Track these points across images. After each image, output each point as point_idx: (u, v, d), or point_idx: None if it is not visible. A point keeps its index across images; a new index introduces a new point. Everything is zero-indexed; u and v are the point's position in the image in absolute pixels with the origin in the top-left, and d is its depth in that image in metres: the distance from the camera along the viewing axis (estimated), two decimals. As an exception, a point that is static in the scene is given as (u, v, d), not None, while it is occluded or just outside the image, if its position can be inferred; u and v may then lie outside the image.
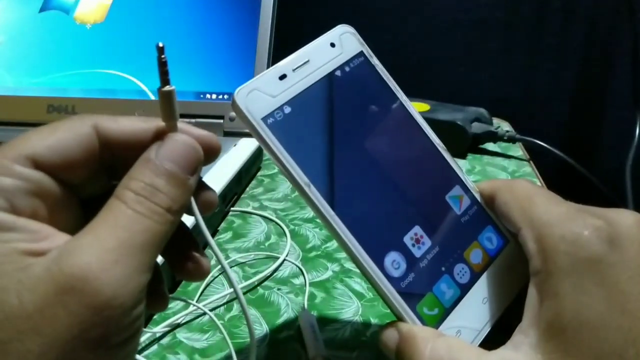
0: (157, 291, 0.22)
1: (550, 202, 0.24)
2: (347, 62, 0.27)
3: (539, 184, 0.54)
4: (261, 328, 0.32)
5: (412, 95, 0.71)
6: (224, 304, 0.34)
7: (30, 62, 0.62)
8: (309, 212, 0.48)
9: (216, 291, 0.36)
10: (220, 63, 0.58)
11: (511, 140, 0.61)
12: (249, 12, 0.58)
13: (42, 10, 0.63)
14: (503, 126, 0.66)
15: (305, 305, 0.34)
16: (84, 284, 0.15)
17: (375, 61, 0.28)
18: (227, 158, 0.50)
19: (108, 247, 0.16)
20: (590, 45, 0.79)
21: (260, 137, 0.23)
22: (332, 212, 0.23)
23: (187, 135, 0.19)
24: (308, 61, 0.26)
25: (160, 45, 0.18)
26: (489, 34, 0.81)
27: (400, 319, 0.24)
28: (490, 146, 0.64)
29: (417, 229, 0.25)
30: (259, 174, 0.57)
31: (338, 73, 0.26)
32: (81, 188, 0.20)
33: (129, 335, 0.16)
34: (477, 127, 0.61)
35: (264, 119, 0.23)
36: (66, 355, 0.15)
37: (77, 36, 0.61)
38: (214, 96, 0.57)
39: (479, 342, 0.25)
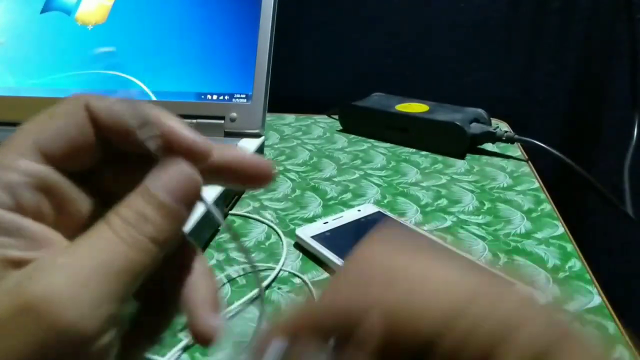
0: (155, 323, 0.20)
1: None
2: (367, 215, 0.45)
3: (537, 184, 0.55)
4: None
5: (412, 96, 0.72)
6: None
7: (32, 63, 0.63)
8: (309, 212, 0.48)
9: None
10: (221, 64, 0.58)
11: (510, 140, 0.62)
12: (250, 13, 0.58)
13: (43, 11, 0.63)
14: (501, 126, 0.66)
15: None
16: (45, 304, 0.14)
17: (387, 213, 0.45)
18: (227, 158, 0.51)
19: (79, 270, 0.15)
20: (588, 46, 0.80)
21: (309, 246, 0.40)
22: None
23: (212, 154, 0.18)
24: (342, 217, 0.44)
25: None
26: (488, 35, 0.82)
27: None
28: (488, 146, 0.64)
29: None
30: (259, 174, 0.57)
31: (362, 219, 0.44)
32: (95, 179, 0.19)
33: None
34: (475, 128, 0.62)
35: (312, 237, 0.41)
36: None
37: (79, 37, 0.62)
38: (214, 97, 0.58)
39: None
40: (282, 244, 0.42)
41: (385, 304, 0.16)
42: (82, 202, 0.19)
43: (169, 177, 0.17)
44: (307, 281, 0.37)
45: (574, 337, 0.15)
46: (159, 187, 0.17)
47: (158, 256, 0.17)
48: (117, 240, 0.16)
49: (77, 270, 0.15)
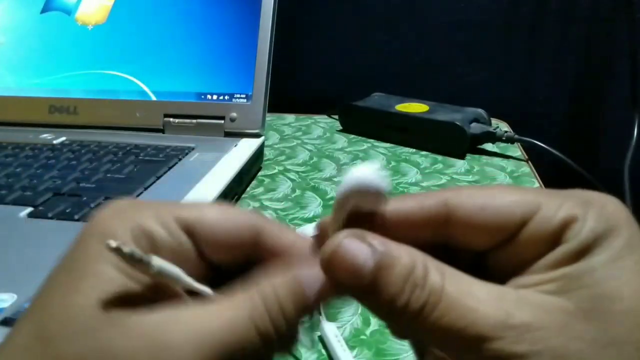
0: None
1: None
2: None
3: (537, 184, 0.55)
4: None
5: (412, 96, 0.72)
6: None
7: (32, 63, 0.63)
8: (309, 212, 0.48)
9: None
10: (221, 64, 0.58)
11: (509, 140, 0.62)
12: (249, 13, 0.58)
13: (43, 11, 0.63)
14: (501, 126, 0.66)
15: (323, 316, 0.34)
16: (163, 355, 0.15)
17: None
18: (228, 158, 0.51)
19: (203, 333, 0.15)
20: (588, 46, 0.80)
21: None
22: None
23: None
24: None
25: None
26: (488, 35, 0.82)
27: None
28: (488, 146, 0.64)
29: None
30: (259, 174, 0.57)
31: None
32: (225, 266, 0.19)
33: None
34: (475, 128, 0.62)
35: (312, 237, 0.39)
36: None
37: (79, 37, 0.62)
38: (214, 97, 0.58)
39: None
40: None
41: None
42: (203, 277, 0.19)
43: (319, 276, 0.17)
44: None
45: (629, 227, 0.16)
46: (310, 283, 0.17)
47: (268, 344, 0.16)
48: (243, 315, 0.16)
49: (202, 335, 0.15)
